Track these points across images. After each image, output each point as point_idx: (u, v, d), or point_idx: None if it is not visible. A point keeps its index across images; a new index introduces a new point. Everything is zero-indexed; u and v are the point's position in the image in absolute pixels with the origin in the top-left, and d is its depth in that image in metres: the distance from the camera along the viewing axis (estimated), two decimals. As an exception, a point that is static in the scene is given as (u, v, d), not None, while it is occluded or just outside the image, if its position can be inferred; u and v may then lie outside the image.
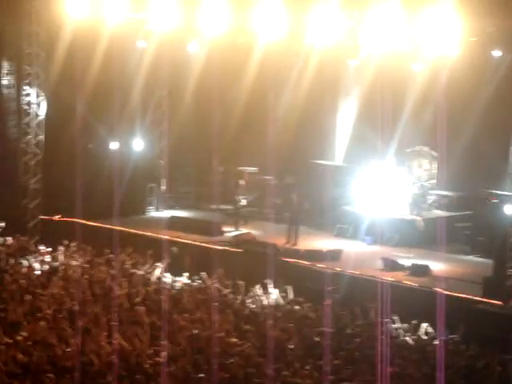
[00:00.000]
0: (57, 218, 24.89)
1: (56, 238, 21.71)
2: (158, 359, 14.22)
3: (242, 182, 25.61)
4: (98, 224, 24.38)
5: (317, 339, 16.10)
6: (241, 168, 28.46)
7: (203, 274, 19.78)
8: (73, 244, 21.42)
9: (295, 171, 27.45)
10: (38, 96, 24.50)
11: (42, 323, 15.71)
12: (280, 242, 22.89)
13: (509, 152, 19.33)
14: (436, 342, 16.73)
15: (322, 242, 23.57)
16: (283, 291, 19.11)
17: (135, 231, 24.03)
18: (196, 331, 15.95)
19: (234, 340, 15.69)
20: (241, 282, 19.33)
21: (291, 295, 19.04)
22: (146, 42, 25.21)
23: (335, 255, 22.13)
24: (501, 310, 18.77)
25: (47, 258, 20.77)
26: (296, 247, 22.78)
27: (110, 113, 25.56)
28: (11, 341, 14.68)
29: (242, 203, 25.17)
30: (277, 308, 18.17)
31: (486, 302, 19.01)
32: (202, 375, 13.73)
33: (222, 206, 27.40)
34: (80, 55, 24.42)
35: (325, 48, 22.54)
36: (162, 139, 27.54)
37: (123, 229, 24.11)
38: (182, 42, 25.39)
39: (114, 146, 26.65)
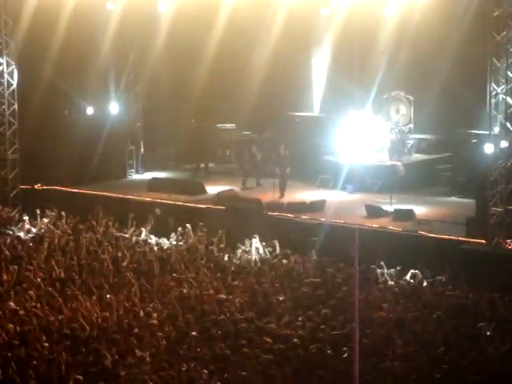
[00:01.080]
0: (37, 186, 24.78)
1: (38, 206, 21.61)
2: (149, 321, 14.26)
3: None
4: (78, 190, 24.30)
5: (305, 290, 16.19)
6: (219, 125, 28.41)
7: (188, 232, 19.79)
8: (55, 211, 21.35)
9: (273, 124, 27.42)
10: (8, 65, 24.23)
11: (31, 292, 15.72)
12: (267, 196, 22.87)
13: (485, 91, 19.34)
14: (424, 285, 16.92)
15: (304, 194, 23.61)
16: (270, 245, 19.17)
17: (117, 195, 23.96)
18: (185, 290, 16.00)
19: (223, 296, 15.77)
20: (223, 237, 19.39)
21: (278, 249, 19.10)
22: (113, 4, 24.93)
23: (318, 206, 22.19)
24: (485, 248, 18.93)
25: (31, 228, 20.70)
26: (281, 200, 22.78)
27: (83, 78, 25.36)
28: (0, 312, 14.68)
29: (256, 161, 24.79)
30: (264, 262, 18.25)
31: (470, 242, 19.16)
32: (194, 333, 13.81)
33: (203, 164, 27.43)
34: (48, 21, 24.18)
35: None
36: (137, 101, 27.37)
37: (105, 193, 24.10)
38: (151, 1, 25.15)
39: (89, 111, 26.47)
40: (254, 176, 24.84)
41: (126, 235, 19.93)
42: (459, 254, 18.73)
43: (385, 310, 15.30)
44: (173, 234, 20.09)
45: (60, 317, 14.47)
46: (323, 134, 25.47)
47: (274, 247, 19.17)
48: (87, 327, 14.02)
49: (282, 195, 23.31)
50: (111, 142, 26.16)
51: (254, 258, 18.55)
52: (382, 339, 13.88)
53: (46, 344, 13.29)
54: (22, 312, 14.60)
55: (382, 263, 17.77)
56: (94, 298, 15.50)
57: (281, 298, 15.80)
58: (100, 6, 24.91)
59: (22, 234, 20.14)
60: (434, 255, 18.42)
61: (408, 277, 17.27)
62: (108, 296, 15.52)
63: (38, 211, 21.06)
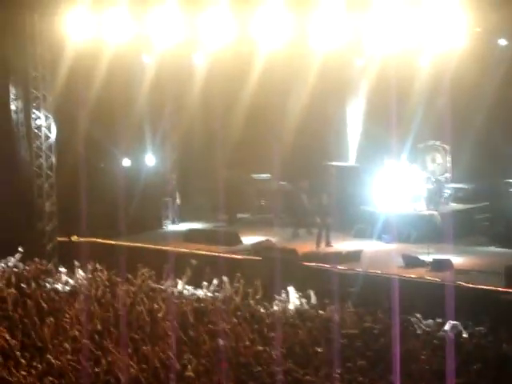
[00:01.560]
0: (74, 238, 24.90)
1: (74, 258, 21.69)
2: (187, 373, 14.16)
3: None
4: (115, 242, 24.37)
5: (343, 341, 16.02)
6: (254, 175, 28.46)
7: (225, 283, 19.72)
8: (92, 264, 21.41)
9: (309, 175, 27.40)
10: (46, 119, 24.55)
11: (67, 345, 15.71)
12: (303, 246, 22.76)
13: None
14: (463, 336, 16.67)
15: (341, 244, 23.49)
16: (306, 296, 19.03)
17: (153, 246, 24.00)
18: (222, 342, 15.89)
19: (260, 348, 15.64)
20: (259, 288, 19.31)
21: (313, 299, 18.96)
22: (149, 57, 25.20)
23: (355, 256, 22.05)
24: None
25: (68, 280, 20.75)
26: (325, 249, 22.65)
27: (120, 130, 25.59)
28: (39, 365, 14.65)
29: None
30: (300, 313, 18.10)
31: (510, 292, 18.87)
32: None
33: (240, 215, 27.46)
34: (84, 75, 24.46)
35: (330, 49, 22.49)
36: (172, 153, 27.54)
37: (141, 245, 24.14)
38: (186, 54, 25.40)
39: (125, 162, 26.66)
40: (303, 226, 24.58)
41: (162, 287, 19.91)
42: (499, 304, 18.45)
43: (423, 361, 15.07)
44: (208, 285, 20.03)
45: (97, 369, 14.41)
46: (359, 183, 25.40)
47: (309, 298, 19.03)
48: (123, 379, 13.94)
49: (329, 244, 23.20)
50: (147, 193, 26.30)
51: (290, 308, 18.42)
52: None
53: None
54: (59, 365, 14.56)
55: (418, 315, 17.58)
56: (130, 350, 15.44)
57: (318, 350, 15.63)
58: (136, 59, 25.20)
59: (59, 286, 20.19)
60: (473, 306, 18.16)
61: (447, 328, 17.02)
62: (144, 348, 15.43)
63: (76, 263, 21.13)
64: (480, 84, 23.38)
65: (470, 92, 23.52)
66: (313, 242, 23.27)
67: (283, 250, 22.38)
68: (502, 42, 21.04)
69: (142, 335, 16.36)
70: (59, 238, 24.83)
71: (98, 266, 21.21)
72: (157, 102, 26.57)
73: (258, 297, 19.15)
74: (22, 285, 20.05)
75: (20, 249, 22.47)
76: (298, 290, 19.11)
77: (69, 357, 15.08)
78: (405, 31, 20.45)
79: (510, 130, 21.87)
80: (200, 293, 19.79)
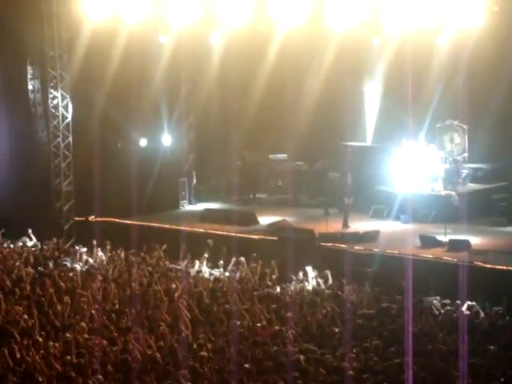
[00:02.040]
0: (91, 218, 24.98)
1: (92, 238, 21.77)
2: (203, 353, 14.19)
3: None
4: (132, 222, 24.42)
5: (359, 322, 16.02)
6: (271, 156, 28.43)
7: (241, 263, 19.74)
8: (109, 243, 21.48)
9: (326, 154, 27.35)
10: (63, 98, 24.57)
11: (84, 324, 15.78)
12: (320, 226, 22.71)
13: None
14: (480, 316, 16.63)
15: (358, 224, 23.44)
16: (323, 276, 19.03)
17: (170, 226, 24.04)
18: (238, 322, 15.92)
19: (277, 327, 15.65)
20: (276, 268, 19.32)
21: (330, 280, 18.96)
22: (166, 37, 25.14)
23: (372, 236, 22.02)
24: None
25: (85, 259, 20.83)
26: (335, 231, 22.58)
27: (136, 110, 25.58)
28: (57, 344, 14.73)
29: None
30: (317, 293, 18.10)
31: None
32: (248, 366, 13.69)
33: (256, 195, 27.47)
34: (101, 55, 24.46)
35: (347, 28, 22.36)
36: (189, 132, 27.52)
37: (158, 225, 24.19)
38: (203, 33, 25.32)
39: (142, 142, 26.67)
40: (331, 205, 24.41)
41: (179, 267, 19.96)
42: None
43: (440, 341, 15.05)
44: (225, 265, 20.06)
45: (114, 348, 14.47)
46: (376, 163, 25.31)
47: (327, 278, 19.03)
48: (140, 358, 14.00)
49: (346, 225, 23.14)
50: (164, 173, 26.30)
51: (307, 288, 18.43)
52: (438, 371, 13.64)
53: (101, 376, 13.30)
54: (77, 344, 14.64)
55: (436, 298, 17.56)
56: (146, 329, 15.49)
57: (336, 330, 15.64)
58: (153, 39, 25.14)
59: (77, 266, 20.27)
60: (491, 286, 18.11)
61: (464, 308, 16.98)
62: (161, 328, 15.48)
63: (94, 242, 21.22)
64: (498, 63, 23.20)
65: (488, 71, 23.34)
66: (330, 221, 23.21)
67: (299, 230, 22.37)
68: (521, 20, 20.84)
69: (158, 315, 16.39)
70: (77, 218, 24.90)
71: (115, 245, 21.24)
72: (173, 82, 26.53)
73: (274, 277, 19.15)
74: (40, 264, 20.15)
75: (30, 230, 22.48)
76: (315, 270, 19.09)
77: (86, 336, 15.15)
78: (422, 10, 20.32)
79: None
80: (217, 273, 19.81)
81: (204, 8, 23.09)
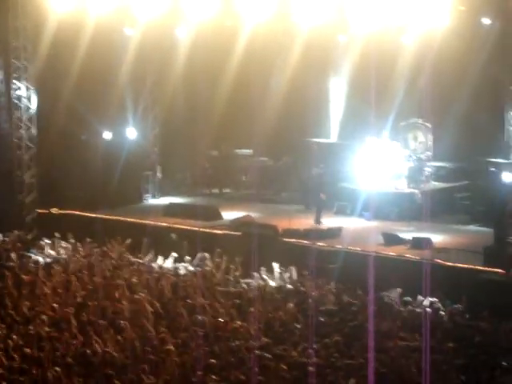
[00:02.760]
0: (54, 210, 24.80)
1: (54, 231, 21.63)
2: (164, 347, 14.16)
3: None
4: (95, 215, 24.28)
5: (321, 318, 16.07)
6: (236, 150, 28.41)
7: (204, 258, 19.71)
8: (72, 236, 21.36)
9: (290, 151, 27.40)
10: (27, 89, 24.36)
11: (45, 317, 15.67)
12: (283, 222, 22.74)
13: (503, 119, 19.26)
14: (441, 313, 16.76)
15: (321, 220, 23.48)
16: (286, 272, 19.06)
17: (133, 220, 23.94)
18: (200, 317, 15.89)
19: (239, 323, 15.66)
20: (239, 264, 19.33)
21: (295, 275, 19.00)
22: (132, 30, 25.02)
23: (335, 233, 22.09)
24: (503, 278, 18.75)
25: (47, 252, 20.69)
26: (298, 227, 22.62)
27: (101, 102, 25.43)
28: (16, 336, 14.62)
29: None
30: (280, 289, 18.13)
31: (487, 271, 18.99)
32: (212, 361, 13.68)
33: (219, 190, 27.44)
34: (67, 46, 24.30)
35: (313, 25, 22.40)
36: (154, 126, 27.42)
37: (121, 218, 24.08)
38: (169, 27, 25.24)
39: (107, 135, 26.53)
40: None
41: (141, 261, 19.89)
42: (477, 283, 18.57)
43: (401, 338, 15.15)
44: (188, 260, 20.02)
45: (74, 341, 14.39)
46: (340, 160, 25.41)
47: (290, 274, 19.07)
48: (100, 352, 13.94)
49: (319, 221, 23.18)
50: (128, 166, 26.17)
51: (270, 284, 18.45)
52: (398, 368, 13.73)
53: (59, 368, 13.23)
54: (36, 336, 14.55)
55: (398, 290, 17.68)
56: (108, 323, 15.43)
57: (297, 326, 15.68)
58: (118, 31, 25.00)
59: (39, 258, 20.12)
60: (452, 284, 18.26)
61: (425, 305, 17.11)
62: (122, 322, 15.42)
63: (57, 235, 21.06)
64: (463, 63, 23.37)
65: (453, 71, 23.51)
66: (294, 218, 23.25)
67: (263, 226, 22.37)
68: (486, 21, 20.99)
69: (119, 309, 16.33)
70: (39, 210, 24.71)
71: (78, 238, 21.12)
72: (139, 75, 26.40)
73: (237, 273, 19.15)
74: (1, 256, 19.98)
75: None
76: (278, 266, 19.13)
77: (47, 329, 15.05)
78: (388, 8, 20.39)
79: (492, 108, 21.89)
80: (180, 267, 19.76)
81: (171, 1, 23.00)
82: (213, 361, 13.62)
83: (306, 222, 23.16)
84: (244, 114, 26.70)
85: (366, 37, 22.94)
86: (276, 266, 18.94)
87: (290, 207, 24.84)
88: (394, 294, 17.66)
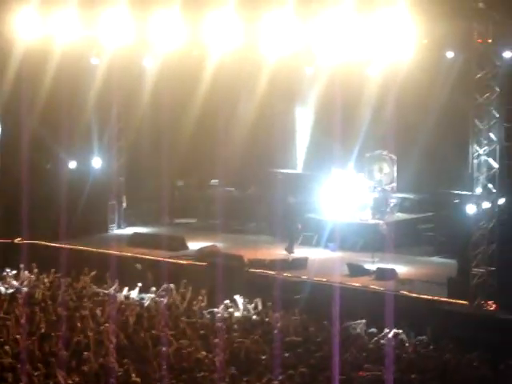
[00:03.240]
0: (17, 240, 24.57)
1: (17, 261, 21.43)
2: (132, 380, 14.04)
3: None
4: (59, 245, 24.10)
5: (286, 348, 16.03)
6: (202, 180, 28.40)
7: (169, 289, 19.61)
8: (35, 266, 21.16)
9: (257, 181, 27.45)
10: (-8, 118, 24.25)
11: (7, 347, 15.49)
12: (250, 252, 22.71)
13: (467, 152, 19.46)
14: (406, 345, 16.80)
15: (294, 250, 23.46)
16: (252, 303, 19.03)
17: (98, 250, 23.80)
18: (164, 348, 15.80)
19: (204, 353, 15.58)
20: (205, 294, 19.27)
21: (260, 306, 18.96)
22: (99, 59, 25.00)
23: (301, 263, 22.13)
24: (466, 309, 18.86)
25: (11, 282, 20.47)
26: (264, 257, 22.60)
27: (67, 132, 25.33)
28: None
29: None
30: (246, 320, 18.08)
31: (451, 303, 19.09)
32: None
33: (184, 220, 27.37)
34: (32, 75, 24.20)
35: (280, 56, 22.54)
36: (120, 156, 27.34)
37: (85, 248, 23.93)
38: (136, 57, 25.26)
39: (72, 165, 26.40)
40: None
41: (106, 291, 19.74)
42: (441, 314, 18.66)
43: (366, 369, 15.15)
44: (153, 290, 19.91)
45: (36, 373, 14.22)
46: (306, 191, 25.51)
47: (256, 305, 19.03)
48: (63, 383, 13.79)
49: (292, 251, 23.16)
50: (93, 196, 26.04)
51: (236, 315, 18.39)
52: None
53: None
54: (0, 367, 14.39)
55: (363, 321, 17.72)
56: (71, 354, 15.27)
57: (262, 357, 15.63)
58: (85, 61, 24.97)
59: (1, 289, 19.90)
60: (416, 315, 18.33)
61: (389, 337, 17.14)
62: (85, 353, 15.28)
63: (17, 266, 20.87)
64: (427, 95, 23.63)
65: (418, 103, 23.75)
66: (260, 248, 23.25)
67: (229, 256, 22.35)
68: (449, 54, 21.27)
69: (84, 339, 16.18)
70: (2, 240, 24.47)
71: (42, 268, 20.94)
72: (106, 105, 26.35)
73: (203, 304, 19.07)
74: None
75: None
76: (243, 296, 19.10)
77: (10, 360, 14.87)
78: (354, 41, 20.58)
79: (456, 140, 22.12)
80: (145, 298, 19.65)
81: (137, 31, 23.04)
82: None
83: (272, 253, 23.19)
84: (210, 143, 26.74)
85: (332, 69, 23.14)
86: (239, 299, 18.87)
87: (256, 237, 24.87)
88: (359, 325, 17.69)
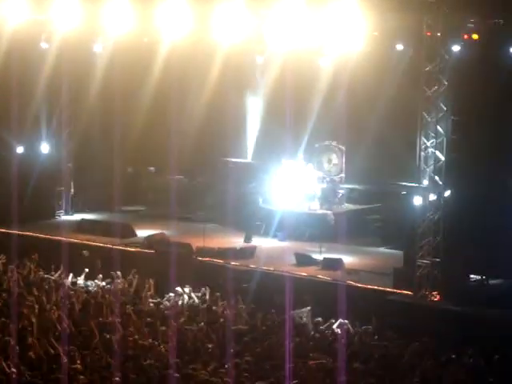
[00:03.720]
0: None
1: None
2: (73, 366, 13.99)
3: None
4: (6, 230, 23.84)
5: (232, 336, 16.08)
6: (151, 168, 28.31)
7: (117, 276, 19.54)
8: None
9: (207, 169, 27.43)
10: None
11: None
12: (198, 240, 22.69)
13: (415, 144, 19.66)
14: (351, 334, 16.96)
15: (235, 240, 23.55)
16: (199, 291, 19.05)
17: (44, 236, 23.61)
18: (109, 336, 15.75)
19: (150, 341, 15.57)
20: (152, 282, 19.24)
21: (207, 295, 18.99)
22: (48, 44, 24.71)
23: (249, 252, 22.18)
24: (411, 299, 19.09)
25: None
26: (213, 246, 22.61)
27: (15, 117, 25.02)
28: None
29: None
30: (193, 308, 18.10)
31: (396, 293, 19.31)
32: (117, 379, 13.56)
33: (132, 208, 27.25)
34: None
35: (231, 45, 22.53)
36: (69, 142, 27.10)
37: (32, 234, 23.73)
38: (86, 42, 25.04)
39: (20, 150, 26.11)
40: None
41: (52, 277, 19.61)
42: (386, 304, 18.85)
43: (312, 358, 15.27)
44: (100, 277, 19.82)
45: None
46: (256, 180, 25.57)
47: (203, 293, 19.05)
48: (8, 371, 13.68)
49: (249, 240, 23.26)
50: (41, 182, 25.80)
51: (183, 303, 18.40)
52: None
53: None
54: None
55: (307, 308, 17.86)
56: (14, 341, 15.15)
57: (209, 346, 15.66)
58: (34, 45, 24.69)
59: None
60: (362, 305, 18.50)
61: (335, 326, 17.28)
62: (30, 339, 15.17)
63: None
64: (377, 87, 23.77)
65: (367, 94, 23.89)
66: (209, 236, 23.26)
67: (177, 244, 22.32)
68: (399, 46, 21.44)
69: (29, 326, 16.07)
70: None
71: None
72: (55, 90, 26.08)
73: (150, 291, 19.03)
74: None
75: None
76: (191, 284, 19.11)
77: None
78: (306, 31, 20.64)
79: (404, 133, 22.31)
80: (91, 285, 19.55)
81: (87, 16, 22.84)
82: (117, 379, 13.50)
83: (220, 241, 23.20)
84: (161, 131, 26.60)
85: (283, 58, 23.20)
86: (187, 288, 18.87)
87: (205, 226, 24.81)
88: (304, 313, 17.81)
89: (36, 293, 18.27)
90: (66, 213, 26.94)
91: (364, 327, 17.33)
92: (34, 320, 16.36)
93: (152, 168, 28.00)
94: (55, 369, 13.85)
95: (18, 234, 23.52)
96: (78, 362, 14.20)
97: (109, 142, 26.67)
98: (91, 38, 24.70)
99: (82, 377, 13.52)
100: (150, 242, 22.88)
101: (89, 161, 27.48)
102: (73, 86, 26.24)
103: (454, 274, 19.02)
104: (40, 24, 23.77)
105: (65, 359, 14.31)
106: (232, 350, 15.17)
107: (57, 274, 19.91)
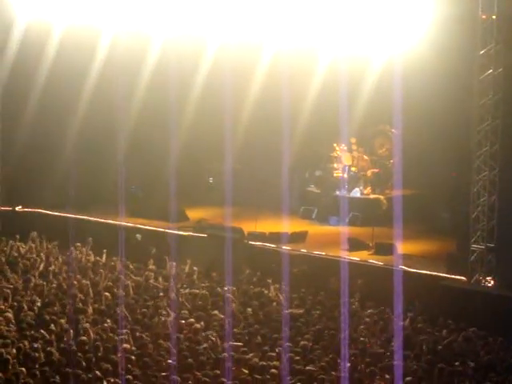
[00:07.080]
0: (18, 208, 24.56)
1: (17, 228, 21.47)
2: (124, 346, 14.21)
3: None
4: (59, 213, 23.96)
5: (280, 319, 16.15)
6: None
7: (170, 260, 19.67)
8: (33, 234, 21.16)
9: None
10: None
11: (9, 315, 15.63)
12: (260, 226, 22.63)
13: (469, 128, 19.46)
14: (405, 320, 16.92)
15: (287, 224, 23.49)
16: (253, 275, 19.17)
17: (97, 219, 23.74)
18: (163, 318, 15.93)
19: (199, 325, 15.71)
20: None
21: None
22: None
23: (300, 237, 22.16)
24: (465, 285, 18.96)
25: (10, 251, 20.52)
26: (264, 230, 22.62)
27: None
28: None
29: None
30: (245, 292, 18.22)
31: (450, 278, 19.18)
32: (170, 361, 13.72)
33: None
34: None
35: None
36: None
37: (87, 218, 23.87)
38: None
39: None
40: None
41: (103, 260, 19.83)
42: (439, 289, 18.75)
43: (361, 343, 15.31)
44: (153, 261, 20.01)
45: (36, 345, 14.29)
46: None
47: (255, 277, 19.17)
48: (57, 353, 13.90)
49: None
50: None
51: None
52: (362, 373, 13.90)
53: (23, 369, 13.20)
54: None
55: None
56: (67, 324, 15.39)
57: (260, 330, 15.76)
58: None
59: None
60: (415, 290, 18.40)
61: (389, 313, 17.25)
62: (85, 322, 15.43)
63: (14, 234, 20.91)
64: (431, 74, 23.17)
65: (420, 79, 23.41)
66: (259, 221, 23.25)
67: (229, 228, 22.35)
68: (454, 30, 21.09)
69: (84, 309, 16.32)
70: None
71: (39, 236, 21.02)
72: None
73: (196, 276, 19.17)
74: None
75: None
76: (243, 268, 19.23)
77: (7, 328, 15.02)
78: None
79: (458, 117, 21.94)
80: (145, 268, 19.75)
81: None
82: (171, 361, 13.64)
83: (272, 225, 23.16)
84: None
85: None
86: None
87: (257, 210, 24.65)
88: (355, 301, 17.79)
89: (92, 275, 18.54)
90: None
91: (415, 314, 17.26)
92: (89, 304, 16.62)
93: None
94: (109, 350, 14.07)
95: (72, 218, 23.68)
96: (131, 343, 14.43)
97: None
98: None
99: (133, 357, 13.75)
100: (201, 225, 22.97)
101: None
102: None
103: (509, 259, 18.81)
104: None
105: (120, 343, 14.52)
106: (283, 334, 15.27)
107: (110, 259, 20.09)
